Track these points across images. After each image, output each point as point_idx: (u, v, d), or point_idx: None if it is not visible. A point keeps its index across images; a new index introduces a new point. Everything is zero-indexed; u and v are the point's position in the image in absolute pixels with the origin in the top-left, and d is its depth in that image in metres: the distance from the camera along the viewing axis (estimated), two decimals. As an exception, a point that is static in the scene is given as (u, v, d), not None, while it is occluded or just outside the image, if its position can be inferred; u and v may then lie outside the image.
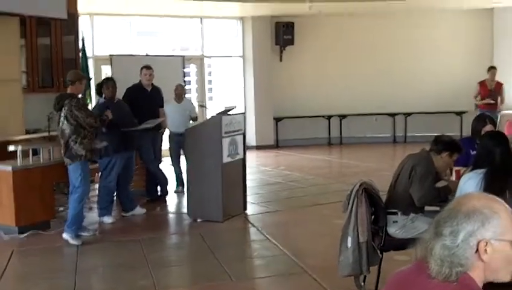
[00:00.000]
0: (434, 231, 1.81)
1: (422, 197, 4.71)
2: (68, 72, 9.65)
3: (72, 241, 6.56)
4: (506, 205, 1.85)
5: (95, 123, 6.67)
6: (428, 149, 4.96)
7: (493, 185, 3.86)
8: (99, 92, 7.93)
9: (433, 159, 4.87)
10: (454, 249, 1.76)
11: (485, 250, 1.76)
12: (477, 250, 1.76)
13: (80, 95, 6.96)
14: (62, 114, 6.56)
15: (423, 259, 1.83)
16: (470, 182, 3.98)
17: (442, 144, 4.92)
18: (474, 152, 5.53)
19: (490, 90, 11.12)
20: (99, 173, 7.85)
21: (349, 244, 4.67)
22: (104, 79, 8.40)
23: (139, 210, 7.95)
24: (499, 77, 11.61)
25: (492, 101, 11.02)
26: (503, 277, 1.82)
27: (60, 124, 6.60)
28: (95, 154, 6.89)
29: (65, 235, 6.64)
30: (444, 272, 1.77)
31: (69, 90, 6.77)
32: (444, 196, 4.69)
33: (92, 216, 7.73)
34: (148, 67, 8.66)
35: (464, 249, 1.76)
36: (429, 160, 4.87)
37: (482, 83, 11.24)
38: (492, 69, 11.52)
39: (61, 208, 7.86)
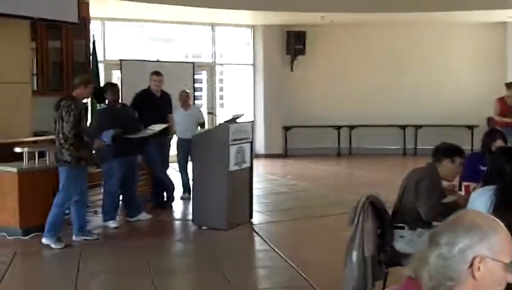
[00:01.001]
0: (430, 241, 1.77)
1: (429, 212, 4.62)
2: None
3: (54, 246, 6.44)
4: (505, 228, 1.79)
5: (68, 133, 6.35)
6: (431, 161, 4.90)
7: (504, 202, 3.78)
8: (98, 98, 7.89)
9: (437, 169, 4.80)
10: (449, 260, 1.71)
11: (479, 267, 1.71)
12: (471, 265, 1.71)
13: (84, 100, 6.88)
14: (57, 114, 6.47)
15: (415, 273, 1.78)
16: (480, 198, 3.89)
17: (440, 151, 4.84)
18: (484, 168, 5.47)
19: (510, 107, 10.11)
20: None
21: (354, 258, 4.58)
22: (106, 84, 8.36)
23: (145, 215, 7.87)
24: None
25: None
26: None
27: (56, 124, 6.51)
28: (82, 163, 6.56)
29: (44, 240, 6.49)
30: (433, 284, 1.72)
31: (73, 94, 6.69)
32: (452, 210, 4.59)
33: (97, 220, 7.68)
34: (157, 73, 8.62)
35: (458, 262, 1.71)
36: (434, 172, 4.79)
37: (500, 100, 10.28)
38: None
39: (66, 211, 7.82)
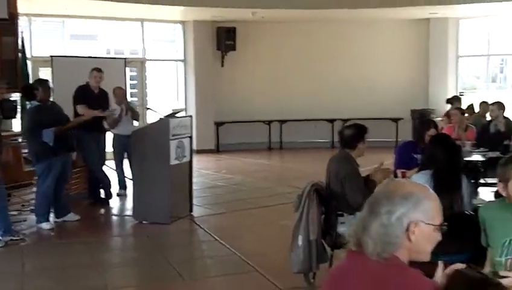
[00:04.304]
0: (369, 210, 1.98)
1: (356, 202, 4.82)
2: (6, 73, 9.45)
3: None
4: (435, 194, 2.05)
5: None
6: (342, 146, 5.14)
7: (442, 184, 4.08)
8: (28, 95, 7.68)
9: (351, 154, 5.05)
10: (388, 227, 1.93)
11: (414, 231, 1.95)
12: (407, 230, 1.95)
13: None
14: None
15: (357, 240, 1.98)
16: (419, 182, 4.16)
17: (351, 138, 5.08)
18: (418, 155, 5.81)
19: None
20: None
21: (300, 243, 4.82)
22: (37, 80, 8.07)
23: (72, 216, 7.59)
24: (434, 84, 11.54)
25: None
26: (424, 258, 2.02)
27: None
28: None
29: None
30: (377, 250, 1.94)
31: None
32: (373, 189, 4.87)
33: (32, 219, 7.47)
34: (98, 70, 8.59)
35: (396, 228, 1.94)
36: (347, 158, 5.06)
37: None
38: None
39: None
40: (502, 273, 2.71)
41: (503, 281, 2.61)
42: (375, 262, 1.94)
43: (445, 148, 4.34)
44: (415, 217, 1.95)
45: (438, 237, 2.02)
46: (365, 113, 14.33)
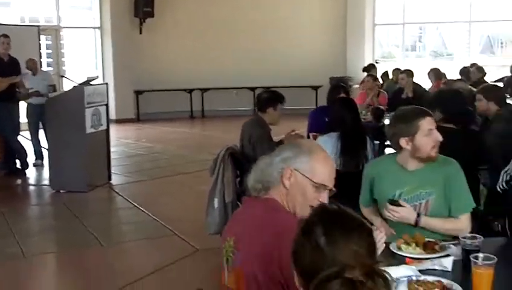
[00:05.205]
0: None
1: None
2: None
3: None
4: (330, 158, 2.23)
5: None
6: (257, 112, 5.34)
7: (348, 145, 4.28)
8: None
9: (263, 118, 5.24)
10: (268, 165, 2.15)
11: (289, 178, 2.11)
12: (283, 175, 2.12)
13: None
14: None
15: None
16: (327, 145, 4.34)
17: (263, 102, 5.29)
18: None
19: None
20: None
21: (216, 205, 4.94)
22: None
23: None
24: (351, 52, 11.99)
25: None
26: (300, 211, 2.11)
27: None
28: None
29: None
30: (255, 186, 2.16)
31: None
32: None
33: None
34: (5, 36, 8.31)
35: (273, 168, 2.13)
36: (260, 122, 5.25)
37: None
38: None
39: None
40: (401, 202, 2.89)
41: (395, 214, 2.82)
42: (259, 203, 2.13)
43: (350, 110, 4.55)
44: (293, 165, 2.11)
45: (320, 197, 2.09)
46: (286, 81, 14.55)
